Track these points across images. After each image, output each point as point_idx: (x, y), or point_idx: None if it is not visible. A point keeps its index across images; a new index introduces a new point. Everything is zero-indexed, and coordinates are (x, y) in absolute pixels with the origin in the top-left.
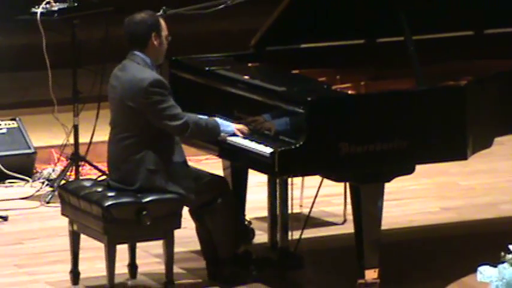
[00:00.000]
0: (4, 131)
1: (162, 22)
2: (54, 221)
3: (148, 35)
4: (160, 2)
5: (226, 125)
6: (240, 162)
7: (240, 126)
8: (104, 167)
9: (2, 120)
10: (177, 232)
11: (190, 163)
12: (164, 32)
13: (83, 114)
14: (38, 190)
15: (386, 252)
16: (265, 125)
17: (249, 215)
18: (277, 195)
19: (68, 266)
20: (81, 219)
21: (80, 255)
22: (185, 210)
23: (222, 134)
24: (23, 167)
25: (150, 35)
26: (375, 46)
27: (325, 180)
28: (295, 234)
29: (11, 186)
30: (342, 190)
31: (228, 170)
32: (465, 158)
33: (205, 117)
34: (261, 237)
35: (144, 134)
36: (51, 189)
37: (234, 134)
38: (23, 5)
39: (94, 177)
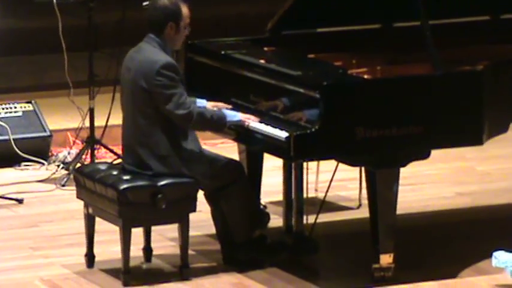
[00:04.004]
0: (20, 114)
1: (184, 11)
2: (69, 204)
3: (164, 23)
4: None
5: (233, 115)
6: (256, 146)
7: (247, 115)
8: (119, 150)
9: (17, 103)
10: (192, 216)
11: (205, 147)
12: (184, 22)
13: (98, 97)
14: (54, 173)
15: (401, 237)
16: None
17: (264, 199)
18: (293, 180)
19: (83, 249)
20: (97, 203)
21: (95, 238)
22: (200, 194)
23: (228, 124)
24: (38, 150)
25: (166, 24)
26: (391, 30)
27: (341, 165)
28: (310, 219)
29: (27, 169)
30: (358, 175)
31: (243, 154)
32: (481, 143)
33: (214, 108)
34: (276, 221)
35: (157, 116)
36: (66, 172)
37: (241, 124)
38: None
39: (109, 160)
